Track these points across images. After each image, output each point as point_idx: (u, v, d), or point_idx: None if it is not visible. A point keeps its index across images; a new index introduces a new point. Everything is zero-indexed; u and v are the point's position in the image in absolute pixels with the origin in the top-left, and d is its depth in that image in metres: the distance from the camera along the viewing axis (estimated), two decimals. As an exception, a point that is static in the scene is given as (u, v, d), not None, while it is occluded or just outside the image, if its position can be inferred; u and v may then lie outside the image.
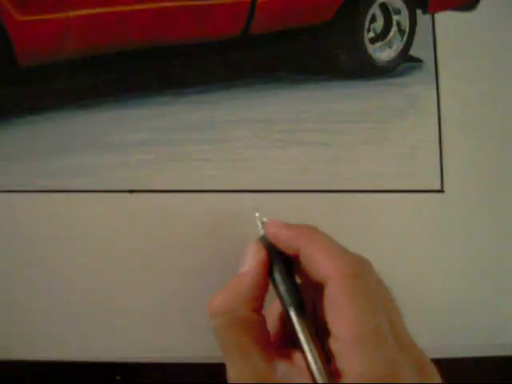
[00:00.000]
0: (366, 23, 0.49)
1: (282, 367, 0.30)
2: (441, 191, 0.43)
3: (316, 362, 0.29)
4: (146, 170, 0.42)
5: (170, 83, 0.45)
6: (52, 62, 0.43)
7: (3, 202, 0.41)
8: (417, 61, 0.47)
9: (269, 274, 0.32)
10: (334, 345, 0.29)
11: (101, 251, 0.40)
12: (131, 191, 0.41)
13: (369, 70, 0.48)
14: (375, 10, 0.49)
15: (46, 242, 0.40)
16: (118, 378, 0.41)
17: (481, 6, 0.47)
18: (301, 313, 0.31)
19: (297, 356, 0.30)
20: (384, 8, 0.49)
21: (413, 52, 0.48)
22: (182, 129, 0.43)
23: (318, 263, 0.30)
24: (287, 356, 0.31)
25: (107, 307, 0.40)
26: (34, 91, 0.43)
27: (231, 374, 0.31)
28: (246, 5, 0.46)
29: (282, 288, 0.32)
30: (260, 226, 0.34)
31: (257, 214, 0.35)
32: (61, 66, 0.43)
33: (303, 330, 0.30)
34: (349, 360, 0.28)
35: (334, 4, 0.48)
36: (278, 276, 0.32)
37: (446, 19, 0.47)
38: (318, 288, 0.31)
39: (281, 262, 0.32)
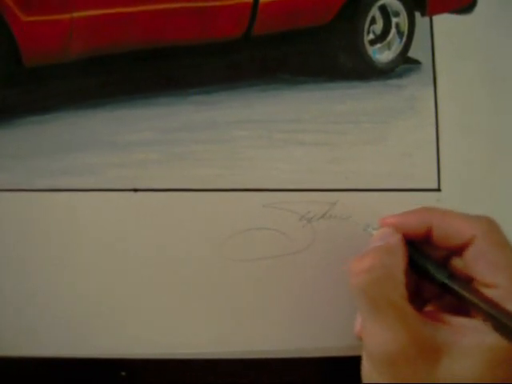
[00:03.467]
0: (366, 25, 0.49)
1: (434, 327, 0.31)
2: (438, 190, 0.44)
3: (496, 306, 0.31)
4: (150, 169, 0.42)
5: (173, 84, 0.45)
6: (57, 62, 0.43)
7: (7, 201, 0.41)
8: (415, 62, 0.48)
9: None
10: (495, 293, 0.31)
11: (105, 249, 0.41)
12: (135, 190, 0.42)
13: (368, 72, 0.49)
14: (375, 12, 0.49)
15: (50, 241, 0.41)
16: (123, 374, 0.41)
17: (478, 9, 0.48)
18: (457, 279, 0.33)
19: (443, 314, 0.32)
20: (383, 10, 0.50)
21: (411, 54, 0.49)
22: (185, 129, 0.44)
23: (460, 228, 0.33)
24: (442, 320, 0.32)
25: (112, 304, 0.40)
26: (38, 91, 0.43)
27: (375, 334, 0.31)
28: (249, 7, 0.46)
29: (427, 265, 0.34)
30: (373, 229, 0.37)
31: (369, 229, 0.37)
32: (65, 66, 0.43)
33: (470, 291, 0.32)
34: (508, 304, 0.30)
35: (335, 6, 0.48)
36: (419, 255, 0.35)
37: (443, 22, 0.47)
38: (457, 252, 0.33)
39: (412, 245, 0.35)
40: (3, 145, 0.42)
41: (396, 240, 0.34)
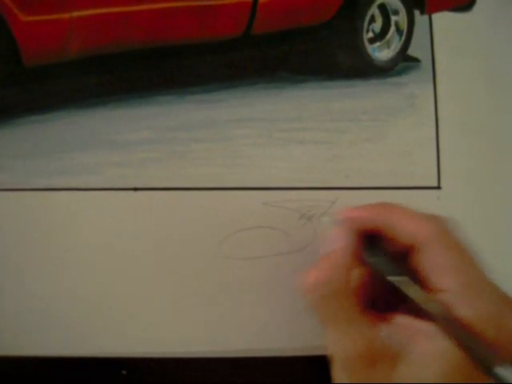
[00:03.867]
0: (365, 24, 0.49)
1: (384, 329, 0.31)
2: (438, 188, 0.44)
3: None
4: (150, 168, 0.42)
5: (173, 83, 0.45)
6: (56, 61, 0.43)
7: (7, 201, 0.41)
8: (415, 60, 0.48)
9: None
10: (445, 298, 0.31)
11: (105, 248, 0.41)
12: (135, 189, 0.42)
13: (368, 70, 0.49)
14: (374, 10, 0.50)
15: (50, 240, 0.41)
16: (123, 372, 0.41)
17: (477, 7, 0.48)
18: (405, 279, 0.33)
19: (399, 317, 0.32)
20: (383, 9, 0.50)
21: (411, 52, 0.49)
22: (185, 127, 0.44)
23: (408, 229, 0.33)
24: (387, 319, 0.32)
25: (112, 303, 0.41)
26: (38, 91, 0.44)
27: (335, 341, 0.32)
28: (248, 6, 0.46)
29: (382, 263, 0.34)
30: (328, 220, 0.36)
31: (324, 219, 0.38)
32: (65, 65, 0.43)
33: (416, 290, 0.32)
34: (458, 309, 0.30)
35: (334, 5, 0.48)
36: (374, 251, 0.34)
37: (443, 20, 0.47)
38: (406, 253, 0.33)
39: (366, 240, 0.34)
40: (3, 144, 0.42)
41: (344, 243, 0.34)
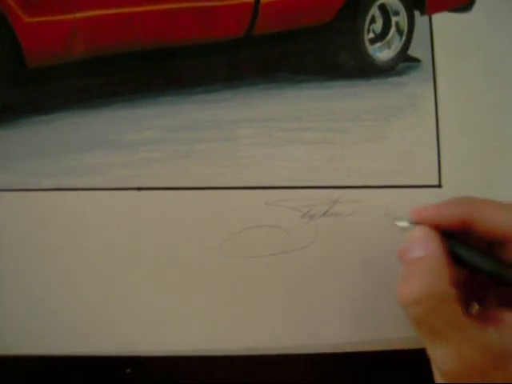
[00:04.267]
0: (366, 24, 0.49)
1: (494, 330, 0.30)
2: (439, 186, 0.44)
3: None
4: (153, 167, 0.42)
5: (176, 83, 0.45)
6: (60, 62, 0.43)
7: (12, 201, 0.41)
8: (415, 60, 0.48)
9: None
10: None
11: (109, 248, 0.41)
12: (139, 189, 0.42)
13: (369, 70, 0.49)
14: (375, 11, 0.50)
15: (54, 240, 0.41)
16: (128, 371, 0.41)
17: (477, 7, 0.48)
18: (509, 268, 0.32)
19: (504, 314, 0.31)
20: (383, 9, 0.50)
21: (411, 52, 0.49)
22: (187, 128, 0.44)
23: (501, 219, 0.32)
24: (492, 319, 0.31)
25: (115, 302, 0.41)
26: (41, 92, 0.44)
27: (447, 354, 0.30)
28: (250, 6, 0.47)
29: (473, 257, 0.32)
30: (406, 224, 0.34)
31: (401, 223, 0.35)
32: (69, 66, 0.43)
33: None
34: None
35: (335, 5, 0.48)
36: (462, 248, 0.33)
37: (443, 20, 0.48)
38: (500, 244, 0.32)
39: (452, 237, 0.33)
40: (7, 145, 0.42)
41: (436, 248, 0.32)
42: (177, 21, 0.45)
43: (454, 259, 0.32)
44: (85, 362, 0.41)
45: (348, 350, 0.42)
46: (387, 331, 0.42)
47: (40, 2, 0.42)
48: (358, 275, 0.42)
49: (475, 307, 0.33)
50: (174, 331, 0.41)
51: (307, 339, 0.42)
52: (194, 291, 0.41)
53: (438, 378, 0.32)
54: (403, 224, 0.35)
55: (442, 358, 0.30)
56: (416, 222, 0.34)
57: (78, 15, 0.43)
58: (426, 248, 0.32)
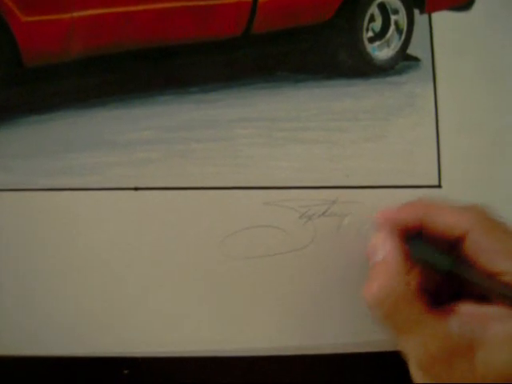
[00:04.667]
0: (365, 23, 0.49)
1: (454, 322, 0.32)
2: (438, 186, 0.44)
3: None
4: (150, 167, 0.42)
5: (174, 83, 0.45)
6: (57, 62, 0.43)
7: (8, 201, 0.41)
8: (414, 59, 0.48)
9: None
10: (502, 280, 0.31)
11: (106, 248, 0.41)
12: (136, 189, 0.42)
13: (368, 69, 0.49)
14: (374, 9, 0.50)
15: (51, 239, 0.41)
16: (125, 372, 0.41)
17: (477, 6, 0.48)
18: (463, 265, 0.33)
19: (463, 307, 0.32)
20: (382, 8, 0.50)
21: (410, 51, 0.49)
22: (185, 127, 0.44)
23: (451, 222, 0.34)
24: (452, 312, 0.32)
25: (113, 302, 0.41)
26: (38, 91, 0.44)
27: (411, 346, 0.32)
28: (248, 5, 0.46)
29: (431, 255, 0.34)
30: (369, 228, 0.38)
31: (365, 226, 0.39)
32: (66, 65, 0.43)
33: (477, 275, 0.33)
34: None
35: (334, 4, 0.48)
36: (419, 247, 0.35)
37: (442, 19, 0.47)
38: (455, 245, 0.34)
39: (410, 239, 0.35)
40: (4, 145, 0.42)
41: (394, 250, 0.34)
42: (174, 20, 0.45)
43: (416, 261, 0.35)
44: (83, 363, 0.41)
45: (348, 350, 0.42)
46: (387, 331, 0.42)
47: (37, 1, 0.42)
48: (357, 275, 0.42)
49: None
50: (172, 331, 0.41)
51: (306, 339, 0.42)
52: (192, 291, 0.41)
53: (413, 368, 0.33)
54: (366, 227, 0.39)
55: (410, 351, 0.33)
56: (380, 225, 0.36)
57: (76, 14, 0.43)
58: (384, 250, 0.35)
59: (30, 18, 0.42)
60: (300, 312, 0.42)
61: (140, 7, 0.44)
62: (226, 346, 0.41)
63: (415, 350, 0.32)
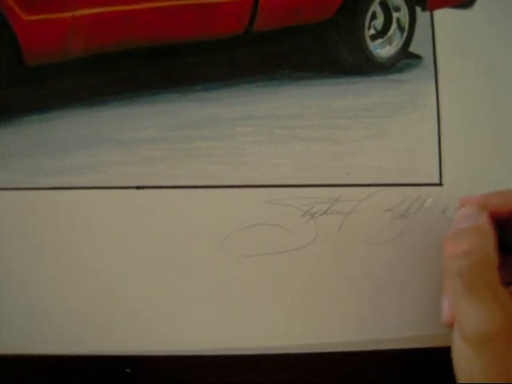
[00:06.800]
0: (367, 20, 0.49)
1: None
2: (440, 185, 0.44)
3: None
4: (152, 166, 0.42)
5: (176, 81, 0.45)
6: (58, 60, 0.43)
7: (11, 200, 0.41)
8: (416, 57, 0.48)
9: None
10: None
11: (108, 247, 0.41)
12: (138, 187, 0.42)
13: (369, 67, 0.49)
14: (375, 7, 0.50)
15: (53, 238, 0.41)
16: (127, 370, 0.41)
17: (479, 3, 0.48)
18: None
19: None
20: (384, 5, 0.50)
21: (412, 49, 0.49)
22: (187, 126, 0.44)
23: None
24: None
25: (115, 302, 0.41)
26: (40, 90, 0.44)
27: (476, 313, 0.31)
28: (250, 3, 0.46)
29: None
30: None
31: (449, 212, 0.38)
32: (68, 64, 0.43)
33: None
34: None
35: (336, 2, 0.48)
36: (506, 234, 0.35)
37: (444, 16, 0.47)
38: None
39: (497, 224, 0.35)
40: (6, 144, 0.42)
41: (485, 219, 0.34)
42: (176, 18, 0.45)
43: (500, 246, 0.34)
44: (84, 362, 0.41)
45: (349, 349, 0.42)
46: (388, 331, 0.42)
47: (39, 0, 0.42)
48: (359, 274, 0.42)
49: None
50: (174, 330, 0.41)
51: (308, 338, 0.42)
52: (194, 290, 0.41)
53: (458, 346, 0.32)
54: (450, 213, 0.38)
55: (473, 316, 0.31)
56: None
57: (77, 13, 0.43)
58: (473, 219, 0.34)
59: (31, 17, 0.42)
60: (302, 310, 0.42)
61: (141, 6, 0.44)
62: (228, 345, 0.41)
63: (479, 317, 0.31)
